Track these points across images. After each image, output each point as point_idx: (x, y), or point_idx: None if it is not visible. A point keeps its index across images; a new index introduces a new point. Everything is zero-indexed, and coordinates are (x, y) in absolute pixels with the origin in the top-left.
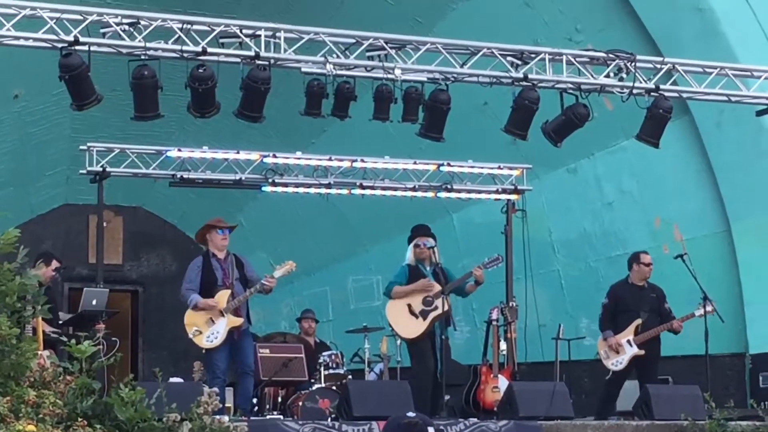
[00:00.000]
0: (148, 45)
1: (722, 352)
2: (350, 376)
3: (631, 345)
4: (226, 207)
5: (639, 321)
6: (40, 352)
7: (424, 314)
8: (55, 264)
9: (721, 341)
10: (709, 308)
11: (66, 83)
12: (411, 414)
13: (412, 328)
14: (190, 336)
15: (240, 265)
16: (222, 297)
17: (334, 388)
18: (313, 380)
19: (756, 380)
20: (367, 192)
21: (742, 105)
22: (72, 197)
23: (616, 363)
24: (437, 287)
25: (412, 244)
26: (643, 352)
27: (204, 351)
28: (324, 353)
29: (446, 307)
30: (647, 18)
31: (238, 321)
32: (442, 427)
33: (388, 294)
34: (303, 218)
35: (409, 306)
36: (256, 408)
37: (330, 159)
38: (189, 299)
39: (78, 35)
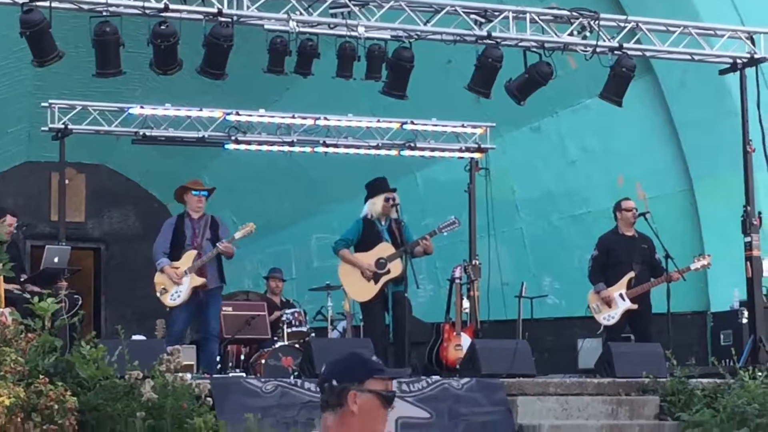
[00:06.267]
0: (110, 1)
1: (684, 311)
2: (313, 334)
3: (623, 299)
4: (189, 165)
5: (632, 274)
6: (1, 310)
7: (376, 277)
8: (9, 219)
9: (683, 300)
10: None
11: (27, 39)
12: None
13: (364, 291)
14: (158, 294)
15: (214, 226)
16: (188, 257)
17: (296, 346)
18: (276, 338)
19: (717, 338)
20: (331, 150)
21: (705, 64)
22: (34, 155)
23: (608, 317)
24: (380, 265)
25: (381, 197)
26: (636, 306)
27: (168, 309)
28: (287, 311)
29: (399, 271)
30: None
31: (200, 281)
32: (404, 385)
33: (335, 252)
34: (266, 176)
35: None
36: (219, 366)
37: (293, 117)
38: (157, 263)
39: None
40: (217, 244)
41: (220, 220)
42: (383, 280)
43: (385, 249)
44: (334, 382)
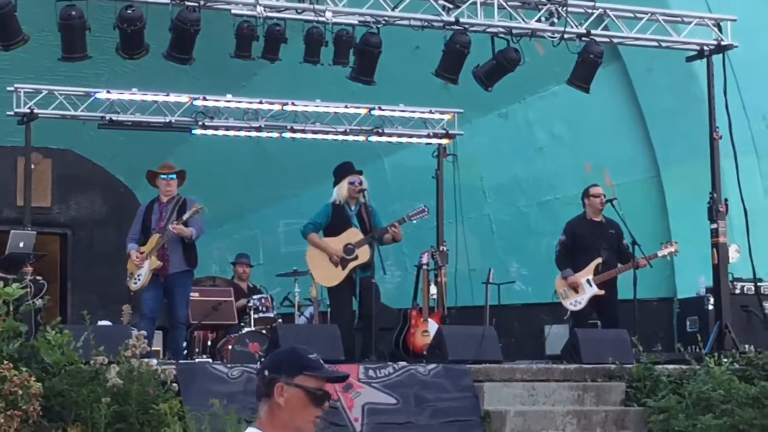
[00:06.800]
0: None
1: (651, 297)
2: (280, 320)
3: (590, 285)
4: (156, 150)
5: (599, 260)
6: None
7: (343, 263)
8: None
9: (650, 286)
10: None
11: None
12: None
13: (331, 276)
14: (127, 281)
15: (182, 208)
16: (152, 241)
17: (263, 331)
18: (242, 324)
19: (683, 325)
20: (298, 135)
21: (672, 51)
22: None
23: (574, 303)
24: (347, 251)
25: (345, 181)
26: (603, 292)
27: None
28: (254, 297)
29: (367, 257)
30: None
31: (157, 263)
32: (371, 371)
33: (304, 236)
34: (233, 162)
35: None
36: (186, 351)
37: (260, 102)
38: (127, 249)
39: None
40: (168, 226)
41: (189, 201)
42: (351, 265)
43: (353, 234)
44: (266, 372)
